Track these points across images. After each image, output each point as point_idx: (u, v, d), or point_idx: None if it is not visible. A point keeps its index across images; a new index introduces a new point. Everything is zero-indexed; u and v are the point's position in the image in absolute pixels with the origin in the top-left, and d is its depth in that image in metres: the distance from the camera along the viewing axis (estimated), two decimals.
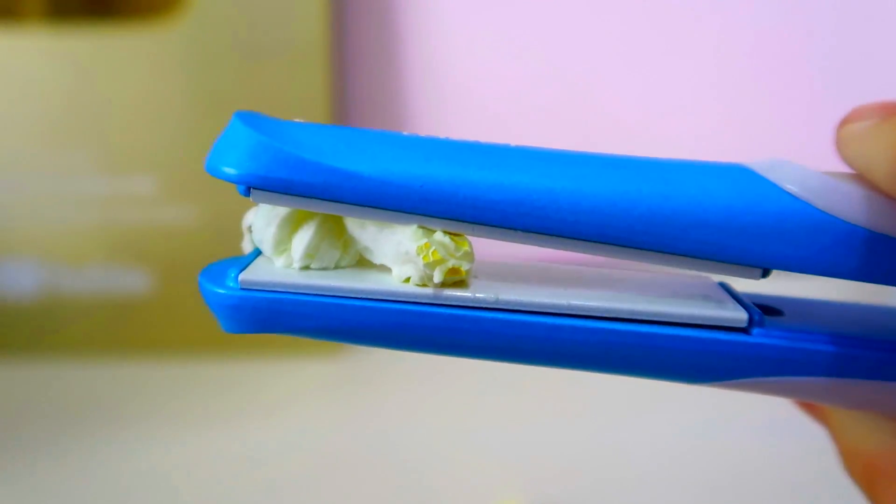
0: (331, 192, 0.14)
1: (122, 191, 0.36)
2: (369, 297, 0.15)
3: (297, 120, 0.15)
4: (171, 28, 0.35)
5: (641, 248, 0.15)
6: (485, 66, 0.42)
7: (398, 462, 0.29)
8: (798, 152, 0.39)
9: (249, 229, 0.16)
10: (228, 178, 0.14)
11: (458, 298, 0.15)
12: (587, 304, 0.15)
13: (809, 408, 0.19)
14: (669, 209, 0.14)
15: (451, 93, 0.42)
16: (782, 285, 0.17)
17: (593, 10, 0.41)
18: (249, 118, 0.15)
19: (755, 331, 0.15)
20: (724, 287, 0.17)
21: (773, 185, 0.14)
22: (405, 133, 0.15)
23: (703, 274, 0.16)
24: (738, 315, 0.15)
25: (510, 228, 0.14)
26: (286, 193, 0.14)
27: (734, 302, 0.16)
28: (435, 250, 0.14)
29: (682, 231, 0.14)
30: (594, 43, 0.41)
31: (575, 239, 0.15)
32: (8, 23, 0.36)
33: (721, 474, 0.28)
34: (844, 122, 0.15)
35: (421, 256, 0.14)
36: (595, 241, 0.15)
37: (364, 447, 0.30)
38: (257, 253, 0.16)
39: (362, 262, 0.16)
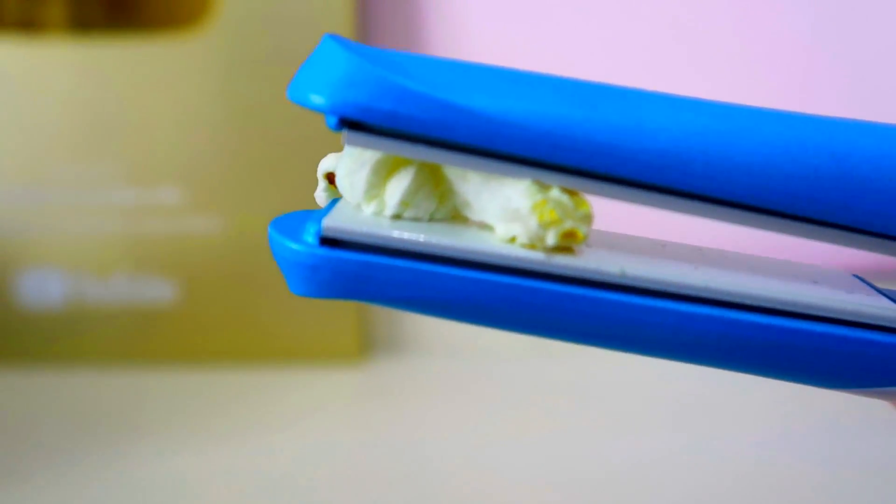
0: (441, 131, 0.12)
1: (148, 201, 0.36)
2: (473, 257, 0.12)
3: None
4: (197, 38, 0.35)
5: (806, 219, 0.12)
6: None
7: (424, 475, 0.28)
8: None
9: (325, 176, 0.14)
10: (318, 108, 0.12)
11: (577, 268, 0.12)
12: (735, 289, 0.12)
13: None
14: (844, 171, 0.12)
15: None
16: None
17: (615, 20, 0.41)
18: (344, 41, 0.12)
19: None
20: (863, 281, 0.14)
21: None
22: (529, 70, 0.13)
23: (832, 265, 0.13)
24: None
25: (646, 186, 0.12)
26: (383, 134, 0.12)
27: (886, 298, 0.13)
28: (552, 209, 0.12)
29: (856, 199, 0.12)
30: (614, 51, 0.41)
31: (723, 204, 0.12)
32: (31, 34, 0.36)
33: (737, 492, 0.27)
34: None
35: (536, 215, 0.12)
36: (748, 208, 0.12)
37: (389, 459, 0.29)
38: (334, 203, 0.14)
39: (456, 217, 0.14)
